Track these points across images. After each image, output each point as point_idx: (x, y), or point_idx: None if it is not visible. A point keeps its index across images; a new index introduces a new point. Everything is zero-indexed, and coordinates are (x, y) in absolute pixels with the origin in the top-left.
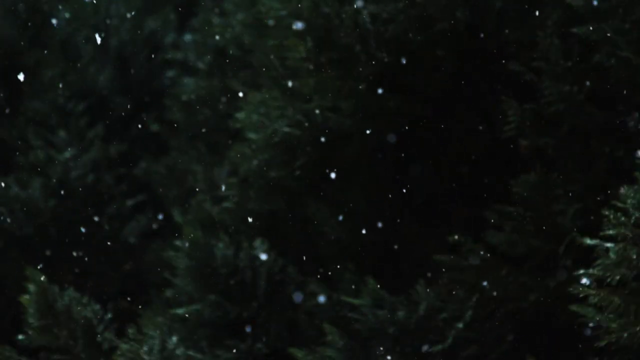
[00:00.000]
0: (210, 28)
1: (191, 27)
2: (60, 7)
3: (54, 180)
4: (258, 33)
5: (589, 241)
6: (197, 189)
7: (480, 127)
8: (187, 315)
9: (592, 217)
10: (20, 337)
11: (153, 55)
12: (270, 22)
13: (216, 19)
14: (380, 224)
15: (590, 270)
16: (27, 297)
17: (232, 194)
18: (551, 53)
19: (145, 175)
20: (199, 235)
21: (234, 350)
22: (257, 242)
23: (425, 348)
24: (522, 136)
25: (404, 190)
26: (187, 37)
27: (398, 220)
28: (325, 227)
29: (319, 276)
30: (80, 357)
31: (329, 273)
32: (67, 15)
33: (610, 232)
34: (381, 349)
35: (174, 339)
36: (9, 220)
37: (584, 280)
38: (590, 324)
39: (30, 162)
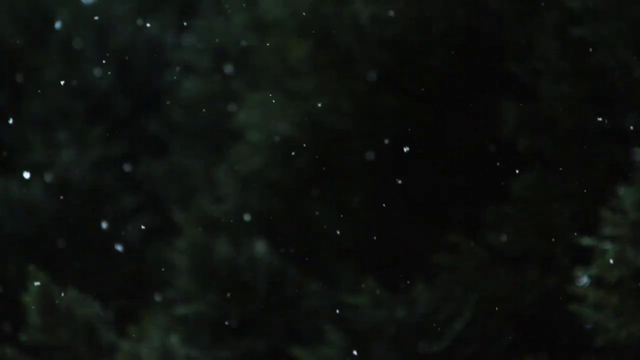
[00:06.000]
0: (211, 29)
1: (191, 27)
2: (60, 7)
3: (54, 180)
4: (258, 33)
5: (587, 241)
6: (197, 189)
7: (479, 128)
8: (187, 315)
9: (590, 218)
10: (21, 336)
11: (153, 56)
12: (270, 23)
13: (216, 19)
14: (380, 224)
15: (588, 270)
16: (28, 296)
17: (232, 194)
18: (549, 54)
19: (145, 175)
20: (199, 235)
21: (234, 350)
22: (257, 242)
23: (424, 347)
24: (520, 137)
25: (404, 190)
26: (188, 37)
27: (398, 220)
28: (325, 226)
29: (319, 276)
30: (82, 357)
31: (329, 273)
32: (67, 15)
33: (609, 232)
34: (380, 348)
35: (175, 338)
36: (9, 220)
37: (583, 280)
38: (588, 324)
39: (30, 162)
